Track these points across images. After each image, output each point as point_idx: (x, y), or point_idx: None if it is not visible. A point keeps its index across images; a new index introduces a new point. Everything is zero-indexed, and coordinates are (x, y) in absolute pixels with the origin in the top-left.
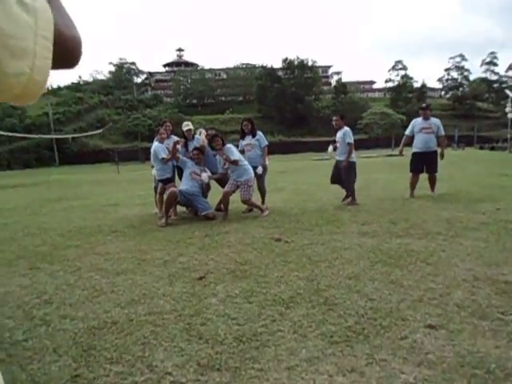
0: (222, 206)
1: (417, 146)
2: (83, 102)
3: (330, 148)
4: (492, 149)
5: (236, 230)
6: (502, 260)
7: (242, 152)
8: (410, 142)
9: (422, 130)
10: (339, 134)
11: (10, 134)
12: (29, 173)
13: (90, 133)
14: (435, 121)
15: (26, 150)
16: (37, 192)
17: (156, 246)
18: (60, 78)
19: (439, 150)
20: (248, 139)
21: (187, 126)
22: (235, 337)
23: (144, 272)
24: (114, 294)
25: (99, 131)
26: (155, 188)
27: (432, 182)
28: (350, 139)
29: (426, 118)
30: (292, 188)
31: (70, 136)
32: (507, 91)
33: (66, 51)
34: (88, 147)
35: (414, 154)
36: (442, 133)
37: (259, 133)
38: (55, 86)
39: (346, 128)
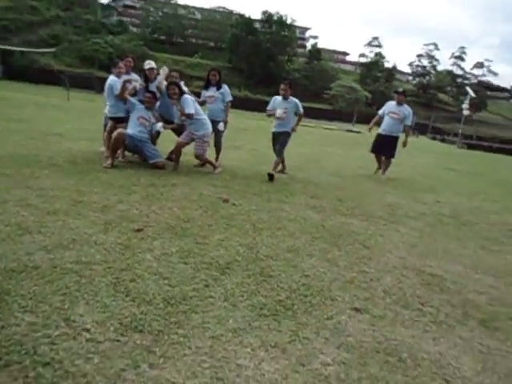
0: (174, 156)
1: (382, 128)
2: (38, 12)
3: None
4: (443, 141)
5: (184, 184)
6: (431, 252)
7: (203, 103)
8: (379, 121)
9: (389, 114)
10: (286, 105)
11: None
12: None
13: (41, 50)
14: (406, 109)
15: None
16: None
17: (96, 188)
18: None
19: (402, 138)
20: (212, 91)
21: (149, 64)
22: (164, 298)
23: (78, 215)
24: (40, 236)
25: (53, 49)
26: (105, 126)
27: (386, 165)
28: (302, 109)
29: (399, 104)
30: (249, 148)
31: (18, 49)
32: (468, 88)
33: None
34: (37, 64)
35: (378, 135)
36: (408, 123)
37: (225, 86)
38: None
39: (295, 99)
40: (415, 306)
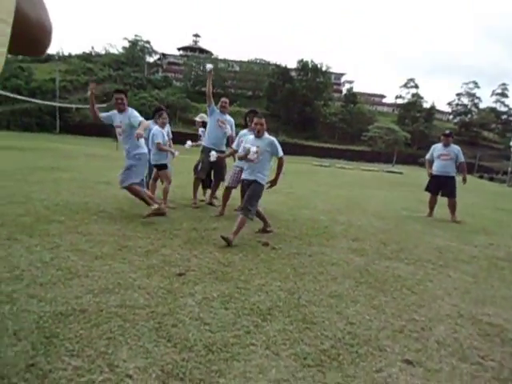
0: (222, 200)
1: (436, 170)
2: (92, 73)
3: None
4: (491, 179)
5: (224, 228)
6: (488, 299)
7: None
8: (430, 165)
9: (440, 157)
10: (259, 143)
11: (12, 95)
12: (27, 136)
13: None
14: (454, 148)
15: (28, 113)
16: (30, 158)
17: (140, 233)
18: (72, 46)
19: (460, 177)
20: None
21: (201, 117)
22: (205, 344)
23: (123, 259)
24: (88, 279)
25: (104, 105)
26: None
27: (451, 206)
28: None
29: (446, 145)
30: (287, 191)
31: (74, 106)
32: None
33: (32, 38)
34: (90, 119)
35: (433, 176)
36: (462, 159)
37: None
38: (66, 53)
39: (272, 137)
40: (474, 360)
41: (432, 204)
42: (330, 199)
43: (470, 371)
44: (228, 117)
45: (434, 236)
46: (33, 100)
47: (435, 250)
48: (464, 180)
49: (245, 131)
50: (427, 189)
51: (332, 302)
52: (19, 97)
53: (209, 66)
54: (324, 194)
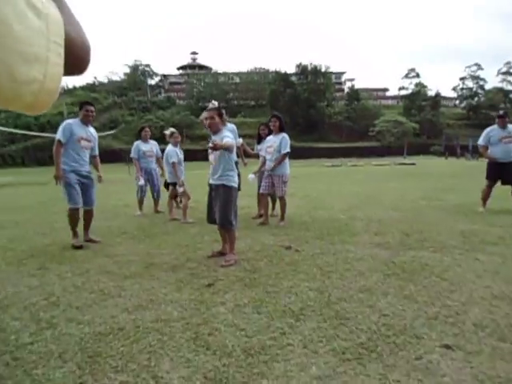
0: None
1: (497, 157)
2: (98, 102)
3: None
4: None
5: (245, 236)
6: None
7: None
8: (486, 150)
9: (502, 140)
10: (274, 139)
11: (24, 132)
12: (42, 170)
13: (103, 133)
14: None
15: (40, 147)
16: (49, 190)
17: (165, 249)
18: (75, 79)
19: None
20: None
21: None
22: (243, 349)
23: (152, 276)
24: (121, 299)
25: (112, 132)
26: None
27: None
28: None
29: (504, 127)
30: (302, 194)
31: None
32: None
33: (76, 57)
34: (101, 147)
35: (494, 164)
36: None
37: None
38: (71, 87)
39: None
40: None
41: (486, 195)
42: (345, 197)
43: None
44: (229, 126)
45: (456, 221)
46: (42, 134)
47: (459, 234)
48: None
49: (270, 137)
50: (487, 176)
51: (362, 297)
52: (31, 133)
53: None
54: (339, 193)
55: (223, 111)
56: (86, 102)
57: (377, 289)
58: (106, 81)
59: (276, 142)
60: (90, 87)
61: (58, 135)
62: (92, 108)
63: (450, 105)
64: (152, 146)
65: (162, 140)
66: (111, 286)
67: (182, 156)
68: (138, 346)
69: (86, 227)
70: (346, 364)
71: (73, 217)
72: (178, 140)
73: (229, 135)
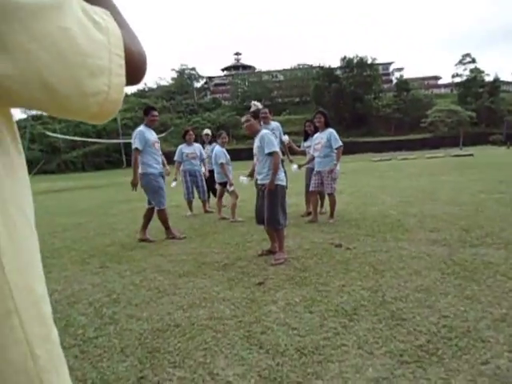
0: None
1: None
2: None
3: (295, 167)
4: None
5: (295, 234)
6: None
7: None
8: None
9: None
10: (321, 136)
11: (83, 139)
12: (100, 175)
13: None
14: None
15: (98, 153)
16: (107, 193)
17: (215, 248)
18: (128, 87)
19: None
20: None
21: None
22: (297, 348)
23: (204, 275)
24: (176, 297)
25: (162, 135)
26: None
27: None
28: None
29: None
30: (351, 191)
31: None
32: None
33: (135, 67)
34: None
35: None
36: None
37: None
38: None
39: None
40: None
41: None
42: (397, 192)
43: None
44: (273, 124)
45: None
46: (100, 140)
47: None
48: None
49: (317, 134)
50: None
51: (420, 297)
52: (89, 139)
53: (294, 167)
54: (390, 188)
55: (266, 110)
56: (152, 108)
57: (435, 288)
58: (155, 86)
59: (323, 139)
60: (141, 93)
61: (136, 144)
62: (157, 113)
63: (511, 90)
64: (195, 149)
65: (214, 140)
66: (166, 284)
67: (228, 157)
68: (193, 342)
69: (145, 226)
70: (405, 367)
71: (166, 216)
72: (225, 141)
73: (271, 141)
